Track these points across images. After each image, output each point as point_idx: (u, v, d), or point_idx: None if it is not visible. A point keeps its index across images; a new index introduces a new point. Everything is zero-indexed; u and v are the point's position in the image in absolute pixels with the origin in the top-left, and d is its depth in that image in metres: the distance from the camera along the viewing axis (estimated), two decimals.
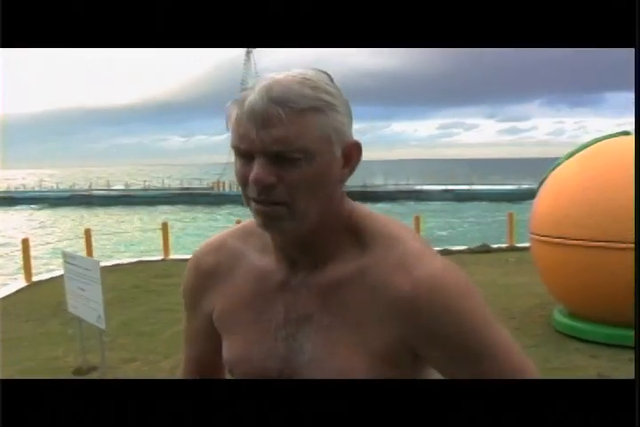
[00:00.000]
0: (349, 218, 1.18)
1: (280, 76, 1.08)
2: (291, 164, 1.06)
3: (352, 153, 1.13)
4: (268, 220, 1.10)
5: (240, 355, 1.25)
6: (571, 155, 6.68)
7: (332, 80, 1.12)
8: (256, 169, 1.07)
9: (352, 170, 1.15)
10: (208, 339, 1.34)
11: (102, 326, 5.24)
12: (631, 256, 5.67)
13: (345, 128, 1.11)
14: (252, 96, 1.05)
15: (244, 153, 1.08)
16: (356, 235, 1.17)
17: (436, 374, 1.20)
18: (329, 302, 1.16)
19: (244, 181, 1.10)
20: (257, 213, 1.11)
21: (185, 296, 1.37)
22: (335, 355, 1.15)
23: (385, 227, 1.18)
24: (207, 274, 1.31)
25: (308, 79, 1.07)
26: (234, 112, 1.09)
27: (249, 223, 1.28)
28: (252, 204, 1.11)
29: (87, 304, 5.39)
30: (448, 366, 1.14)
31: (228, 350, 1.28)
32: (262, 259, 1.25)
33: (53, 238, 22.59)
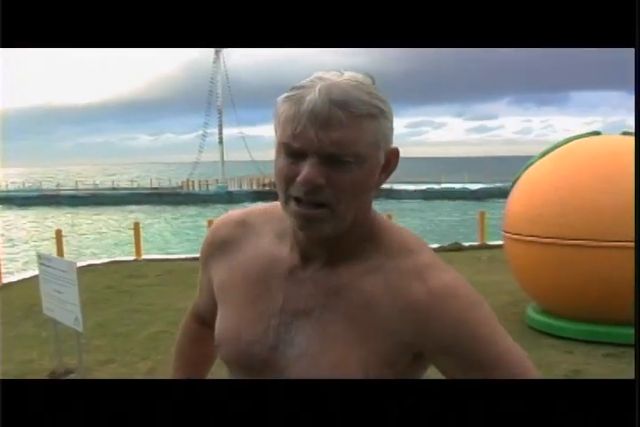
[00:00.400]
0: (372, 224, 1.20)
1: (334, 77, 1.09)
2: (341, 167, 1.07)
3: (391, 159, 1.16)
4: (307, 222, 1.11)
5: (230, 333, 1.26)
6: (543, 154, 6.79)
7: (374, 83, 1.12)
8: (308, 168, 1.06)
9: (388, 176, 1.17)
10: (209, 298, 1.39)
11: (79, 328, 5.16)
12: (603, 254, 5.79)
13: (390, 134, 1.13)
14: (312, 96, 1.06)
15: (297, 152, 1.08)
16: (376, 241, 1.19)
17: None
18: (335, 300, 1.17)
19: (287, 179, 1.10)
20: (297, 215, 1.11)
21: (199, 255, 1.41)
22: (330, 349, 1.16)
23: (402, 237, 1.21)
24: (219, 244, 1.33)
25: (363, 84, 1.09)
26: (286, 110, 1.09)
27: (272, 206, 1.29)
28: (293, 204, 1.11)
29: (63, 306, 5.32)
30: (454, 372, 1.15)
31: (220, 324, 1.29)
32: (277, 244, 1.26)
33: (22, 239, 22.25)
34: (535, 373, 1.16)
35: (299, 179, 1.07)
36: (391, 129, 1.13)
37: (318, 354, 1.16)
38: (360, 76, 1.10)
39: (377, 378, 1.14)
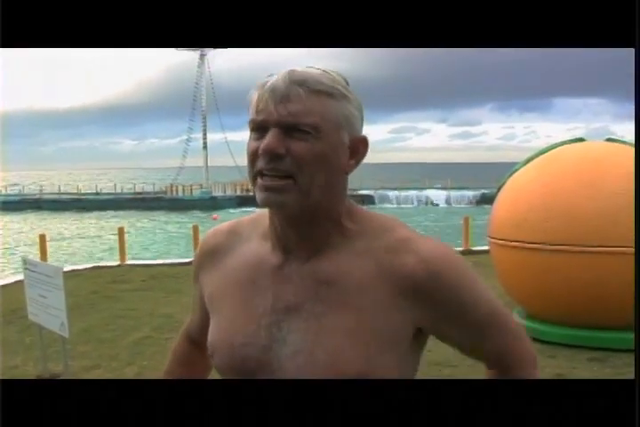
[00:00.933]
0: (349, 212, 1.22)
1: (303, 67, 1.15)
2: (300, 138, 1.11)
3: (359, 146, 1.20)
4: (270, 193, 1.13)
5: (223, 338, 1.26)
6: (528, 160, 6.84)
7: (347, 84, 1.18)
8: (269, 138, 1.11)
9: (357, 162, 1.21)
10: (202, 315, 1.40)
11: (65, 333, 5.12)
12: (587, 259, 5.84)
13: (355, 121, 1.18)
14: (275, 78, 1.13)
15: (260, 124, 1.13)
16: (355, 227, 1.21)
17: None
18: (324, 290, 1.18)
19: (253, 155, 1.14)
20: (262, 188, 1.14)
21: (193, 269, 1.42)
22: (327, 341, 1.15)
23: (379, 220, 1.24)
24: (208, 254, 1.35)
25: (329, 73, 1.15)
26: (254, 95, 1.15)
27: (260, 214, 1.31)
28: (258, 179, 1.14)
29: (49, 312, 5.28)
30: (460, 335, 1.21)
31: (213, 333, 1.29)
32: (262, 245, 1.27)
33: (4, 244, 22.03)
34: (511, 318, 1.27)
35: (260, 148, 1.12)
36: (356, 117, 1.18)
37: (314, 348, 1.16)
38: (331, 71, 1.16)
39: (379, 363, 1.15)
